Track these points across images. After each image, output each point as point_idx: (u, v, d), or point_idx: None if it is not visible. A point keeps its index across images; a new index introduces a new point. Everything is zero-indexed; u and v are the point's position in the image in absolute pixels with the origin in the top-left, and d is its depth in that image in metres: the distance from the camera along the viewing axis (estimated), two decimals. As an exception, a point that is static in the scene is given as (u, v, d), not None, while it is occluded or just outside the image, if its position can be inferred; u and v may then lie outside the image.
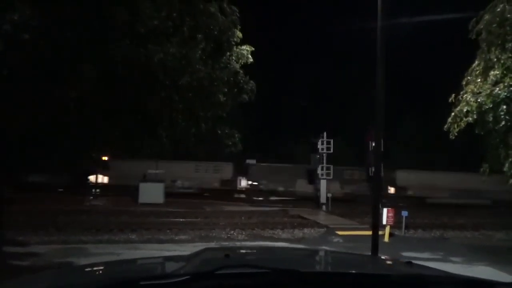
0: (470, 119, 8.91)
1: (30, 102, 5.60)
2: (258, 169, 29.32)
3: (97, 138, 7.00)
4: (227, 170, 29.41)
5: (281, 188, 29.29)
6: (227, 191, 28.54)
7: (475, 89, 8.98)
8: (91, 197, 21.17)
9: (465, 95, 9.06)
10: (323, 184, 23.19)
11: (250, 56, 8.73)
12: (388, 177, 28.09)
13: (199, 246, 9.64)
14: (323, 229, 15.20)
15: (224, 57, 8.26)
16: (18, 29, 4.75)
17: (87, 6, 5.44)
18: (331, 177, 23.51)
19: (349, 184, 29.36)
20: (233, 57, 8.50)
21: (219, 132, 8.76)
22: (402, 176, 29.19)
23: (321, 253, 3.64)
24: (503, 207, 23.44)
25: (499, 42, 8.60)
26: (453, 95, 9.34)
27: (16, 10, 4.78)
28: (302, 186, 28.64)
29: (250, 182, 29.67)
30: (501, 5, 8.55)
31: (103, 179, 25.84)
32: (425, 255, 10.84)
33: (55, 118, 6.04)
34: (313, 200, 24.71)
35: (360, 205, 22.13)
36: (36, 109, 5.75)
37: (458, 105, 9.13)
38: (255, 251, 3.60)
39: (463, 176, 27.65)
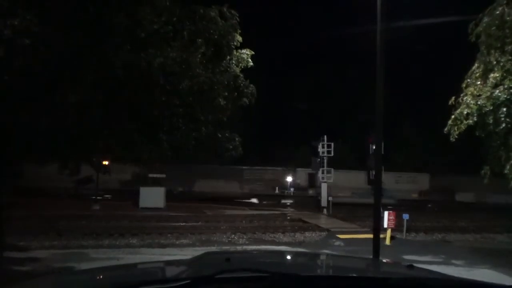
0: (471, 121, 8.92)
1: (31, 107, 5.61)
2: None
3: (97, 143, 7.01)
4: None
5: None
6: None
7: (475, 92, 8.99)
8: (92, 202, 21.12)
9: (465, 98, 9.06)
10: (323, 187, 23.15)
11: (250, 60, 8.75)
12: (293, 176, 28.45)
13: (200, 250, 9.61)
14: (324, 233, 15.16)
15: (224, 61, 8.28)
16: (19, 35, 4.77)
17: (87, 12, 5.47)
18: (332, 181, 23.49)
19: (249, 184, 29.72)
20: (233, 61, 8.52)
21: (220, 136, 8.77)
22: (304, 175, 29.01)
23: (322, 257, 3.63)
24: (406, 206, 24.53)
25: (499, 44, 8.61)
26: (453, 97, 9.35)
27: (17, 15, 4.80)
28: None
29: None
30: (500, 8, 8.57)
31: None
32: (427, 258, 10.80)
33: (56, 123, 6.05)
34: (312, 204, 24.68)
35: (361, 209, 22.09)
36: (37, 114, 5.76)
37: (458, 107, 9.13)
38: (256, 255, 3.60)
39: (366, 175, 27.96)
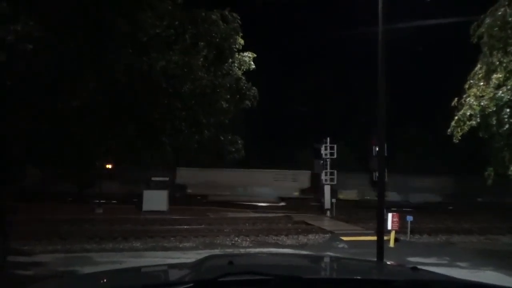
0: (474, 122, 8.89)
1: (33, 111, 5.64)
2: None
3: (100, 147, 7.03)
4: None
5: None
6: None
7: (478, 93, 8.96)
8: (95, 205, 21.16)
9: (468, 99, 9.04)
10: (327, 189, 23.09)
11: (252, 63, 8.76)
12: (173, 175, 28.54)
13: (203, 253, 9.61)
14: (327, 235, 15.12)
15: (226, 64, 8.30)
16: (21, 40, 4.80)
17: (88, 17, 5.50)
18: (335, 182, 23.43)
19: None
20: (235, 64, 8.54)
21: (222, 138, 8.78)
22: (181, 174, 28.78)
23: (326, 259, 3.62)
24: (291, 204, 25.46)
25: (501, 45, 8.59)
26: (456, 99, 9.33)
27: (19, 21, 4.84)
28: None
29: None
30: (502, 9, 8.56)
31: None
32: (431, 260, 10.75)
33: (58, 127, 6.07)
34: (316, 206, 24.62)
35: (364, 211, 22.03)
36: (39, 118, 5.78)
37: (461, 109, 9.11)
38: (259, 257, 3.59)
39: (249, 173, 28.16)
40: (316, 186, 29.23)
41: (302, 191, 30.01)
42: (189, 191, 28.69)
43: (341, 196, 30.44)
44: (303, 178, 30.18)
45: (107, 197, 23.86)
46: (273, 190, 29.15)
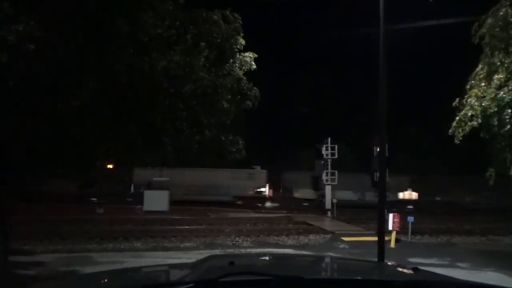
0: (475, 123, 8.87)
1: (34, 111, 5.65)
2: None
3: (100, 147, 7.03)
4: None
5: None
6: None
7: (479, 93, 8.94)
8: (96, 205, 21.20)
9: (469, 99, 9.02)
10: (328, 190, 23.09)
11: (253, 63, 8.75)
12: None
13: (204, 254, 9.61)
14: (328, 235, 15.11)
15: (228, 64, 8.29)
16: (23, 40, 4.80)
17: (88, 17, 5.50)
18: (336, 183, 23.43)
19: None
20: (237, 64, 8.53)
21: (223, 139, 8.77)
22: (138, 173, 28.66)
23: (326, 260, 3.62)
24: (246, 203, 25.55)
25: (503, 46, 8.58)
26: (457, 99, 9.31)
27: (20, 21, 4.84)
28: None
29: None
30: (503, 9, 8.54)
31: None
32: (432, 260, 10.74)
33: (59, 128, 6.07)
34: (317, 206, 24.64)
35: (365, 211, 22.02)
36: (39, 119, 5.79)
37: (462, 109, 9.09)
38: (260, 258, 3.59)
39: (204, 172, 28.14)
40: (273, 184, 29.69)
41: (258, 190, 30.05)
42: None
43: (296, 195, 30.77)
44: (259, 177, 30.26)
45: (108, 197, 23.94)
46: (229, 189, 29.10)
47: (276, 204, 29.16)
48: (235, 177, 29.80)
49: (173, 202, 22.58)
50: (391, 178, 27.97)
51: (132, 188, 29.30)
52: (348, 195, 28.18)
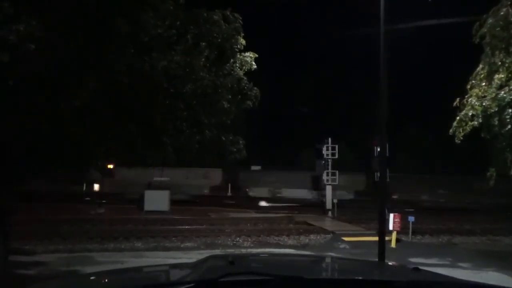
0: (476, 123, 8.86)
1: (34, 111, 5.65)
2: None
3: (101, 147, 7.03)
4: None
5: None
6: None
7: (480, 93, 8.93)
8: (97, 205, 21.21)
9: (470, 99, 9.01)
10: (328, 190, 23.08)
11: (253, 63, 8.75)
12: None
13: (204, 254, 9.61)
14: (329, 235, 15.11)
15: (228, 64, 8.29)
16: (23, 40, 4.80)
17: (89, 17, 5.50)
18: (336, 183, 23.42)
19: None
20: (237, 64, 8.53)
21: (224, 139, 8.77)
22: (94, 174, 28.57)
23: (327, 260, 3.61)
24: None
25: (503, 45, 8.56)
26: (458, 99, 9.30)
27: (21, 21, 4.84)
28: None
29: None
30: (504, 9, 8.53)
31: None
32: (433, 260, 10.74)
33: (59, 127, 6.08)
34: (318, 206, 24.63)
35: (366, 211, 22.01)
36: (40, 119, 5.79)
37: (463, 109, 9.08)
38: (260, 258, 3.59)
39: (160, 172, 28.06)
40: (228, 183, 29.65)
41: (214, 188, 30.05)
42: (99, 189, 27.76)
43: (250, 193, 30.85)
44: (215, 175, 30.23)
45: (108, 197, 23.94)
46: (185, 188, 28.94)
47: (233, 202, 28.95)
48: (191, 176, 29.76)
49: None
50: (346, 177, 28.27)
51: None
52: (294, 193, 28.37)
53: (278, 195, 31.37)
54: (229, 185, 30.97)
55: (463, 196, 30.34)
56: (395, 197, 29.83)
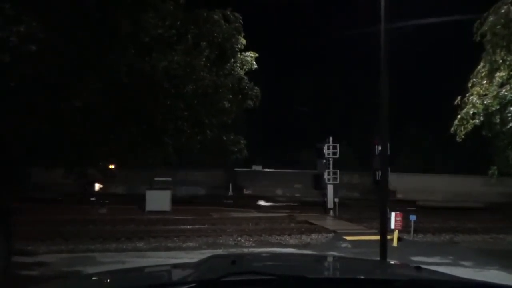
0: (477, 121, 8.85)
1: (35, 112, 5.66)
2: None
3: (103, 147, 7.04)
4: None
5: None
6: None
7: (481, 91, 8.92)
8: (98, 206, 21.22)
9: (471, 97, 9.00)
10: (330, 189, 23.08)
11: (254, 63, 8.75)
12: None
13: (206, 253, 9.62)
14: (331, 235, 15.10)
15: (229, 64, 8.29)
16: (24, 41, 4.81)
17: (90, 18, 5.51)
18: (337, 182, 23.42)
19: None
20: (237, 64, 8.53)
21: (225, 139, 8.78)
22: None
23: (329, 259, 3.61)
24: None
25: (504, 43, 8.55)
26: (459, 97, 9.29)
27: (22, 22, 4.85)
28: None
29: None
30: (505, 7, 8.52)
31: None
32: (435, 259, 10.73)
33: (60, 128, 6.09)
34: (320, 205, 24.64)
35: (367, 210, 22.00)
36: (41, 119, 5.80)
37: (464, 107, 9.07)
38: (262, 257, 3.59)
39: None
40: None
41: None
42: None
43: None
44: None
45: (110, 197, 23.96)
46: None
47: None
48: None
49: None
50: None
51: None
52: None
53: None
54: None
55: (464, 195, 30.23)
56: (248, 192, 29.89)
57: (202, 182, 30.98)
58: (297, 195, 30.55)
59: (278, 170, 29.50)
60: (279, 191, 31.44)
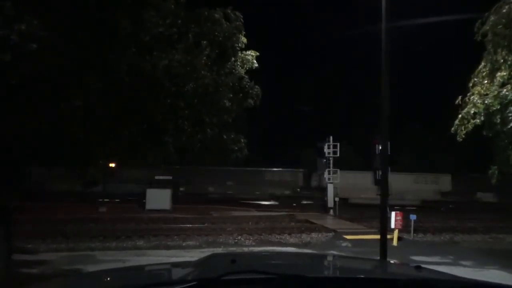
0: (478, 121, 8.84)
1: (36, 111, 5.66)
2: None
3: (103, 146, 7.04)
4: None
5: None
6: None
7: (482, 91, 8.91)
8: (99, 204, 21.25)
9: (472, 97, 8.99)
10: (330, 188, 23.09)
11: (255, 61, 8.75)
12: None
13: (206, 252, 9.63)
14: (331, 234, 15.11)
15: (229, 63, 8.29)
16: (25, 40, 4.81)
17: (91, 17, 5.50)
18: (338, 181, 23.43)
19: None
20: (238, 63, 8.53)
21: (225, 137, 8.78)
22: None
23: (329, 258, 3.61)
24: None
25: (506, 43, 8.53)
26: (460, 97, 9.28)
27: (23, 20, 4.85)
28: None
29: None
30: (506, 6, 8.50)
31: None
32: (435, 259, 10.72)
33: (61, 127, 6.09)
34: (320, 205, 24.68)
35: (368, 209, 22.02)
36: (42, 118, 5.80)
37: (465, 107, 9.06)
38: (262, 256, 3.59)
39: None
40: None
41: None
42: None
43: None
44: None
45: (110, 195, 23.99)
46: None
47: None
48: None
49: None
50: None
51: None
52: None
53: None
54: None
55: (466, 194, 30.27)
56: (181, 189, 29.66)
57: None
58: (229, 192, 30.53)
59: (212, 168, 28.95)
60: (211, 188, 31.26)
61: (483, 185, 26.16)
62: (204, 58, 7.45)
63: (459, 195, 30.08)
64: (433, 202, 28.97)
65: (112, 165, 20.60)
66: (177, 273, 2.21)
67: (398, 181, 26.28)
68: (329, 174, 23.29)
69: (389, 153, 8.33)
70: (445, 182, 30.52)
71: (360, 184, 28.27)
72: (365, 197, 27.45)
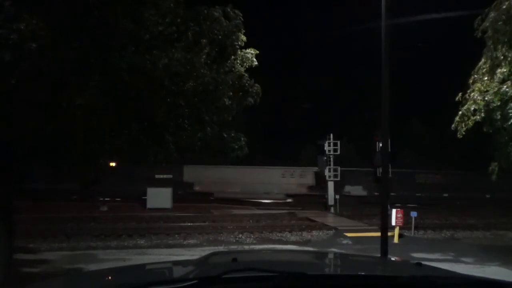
0: (478, 117, 8.83)
1: (37, 110, 5.66)
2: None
3: (104, 145, 7.05)
4: None
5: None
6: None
7: (482, 88, 8.90)
8: (100, 203, 21.26)
9: (472, 94, 8.98)
10: (330, 186, 23.09)
11: (254, 59, 8.74)
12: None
13: (207, 250, 9.63)
14: (331, 231, 15.12)
15: (229, 61, 8.29)
16: (25, 39, 4.81)
17: (91, 16, 5.50)
18: (338, 179, 23.42)
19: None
20: (238, 61, 8.52)
21: (225, 136, 8.78)
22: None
23: (330, 256, 3.61)
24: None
25: (506, 39, 8.51)
26: (460, 94, 9.27)
27: (23, 20, 4.85)
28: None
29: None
30: (506, 3, 8.48)
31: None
32: (436, 256, 10.73)
33: (62, 126, 6.10)
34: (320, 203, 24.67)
35: (368, 207, 22.01)
36: (43, 117, 5.80)
37: (465, 104, 9.05)
38: (263, 254, 3.60)
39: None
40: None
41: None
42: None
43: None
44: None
45: (111, 194, 23.99)
46: None
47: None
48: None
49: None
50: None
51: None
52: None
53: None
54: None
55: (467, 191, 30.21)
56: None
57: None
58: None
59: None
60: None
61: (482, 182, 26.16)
62: (204, 56, 7.45)
63: (461, 191, 30.04)
64: (300, 196, 28.40)
65: (113, 164, 20.63)
66: (178, 272, 2.22)
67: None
68: (329, 171, 23.28)
69: (389, 150, 8.33)
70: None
71: (222, 178, 28.15)
72: (231, 191, 27.58)
